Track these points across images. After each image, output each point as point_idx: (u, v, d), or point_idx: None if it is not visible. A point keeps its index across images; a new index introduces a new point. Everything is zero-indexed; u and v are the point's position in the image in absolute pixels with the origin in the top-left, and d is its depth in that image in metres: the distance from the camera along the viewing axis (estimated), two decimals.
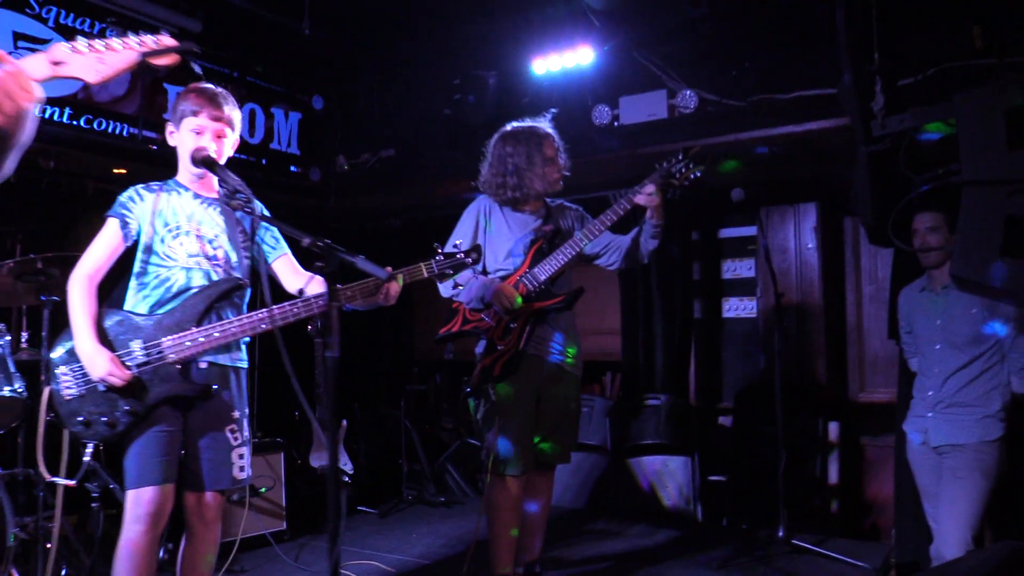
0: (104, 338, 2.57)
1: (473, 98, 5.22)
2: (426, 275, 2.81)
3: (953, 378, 3.63)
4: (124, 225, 2.72)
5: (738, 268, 5.99)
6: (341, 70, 5.96)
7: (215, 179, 2.79)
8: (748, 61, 4.63)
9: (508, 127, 3.57)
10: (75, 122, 4.76)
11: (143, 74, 5.07)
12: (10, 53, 4.29)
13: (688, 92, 4.74)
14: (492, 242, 3.44)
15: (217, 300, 2.66)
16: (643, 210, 3.42)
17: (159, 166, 5.33)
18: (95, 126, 4.86)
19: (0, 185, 1.67)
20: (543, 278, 3.34)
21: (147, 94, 5.12)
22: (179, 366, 2.60)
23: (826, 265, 5.65)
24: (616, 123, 4.99)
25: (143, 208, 2.75)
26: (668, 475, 5.33)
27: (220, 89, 2.87)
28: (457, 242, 3.30)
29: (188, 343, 2.59)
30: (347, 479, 5.26)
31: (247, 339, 2.78)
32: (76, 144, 4.86)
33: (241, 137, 5.63)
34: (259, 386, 5.08)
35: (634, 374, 5.66)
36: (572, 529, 4.98)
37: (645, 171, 5.29)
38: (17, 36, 4.54)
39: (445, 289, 3.37)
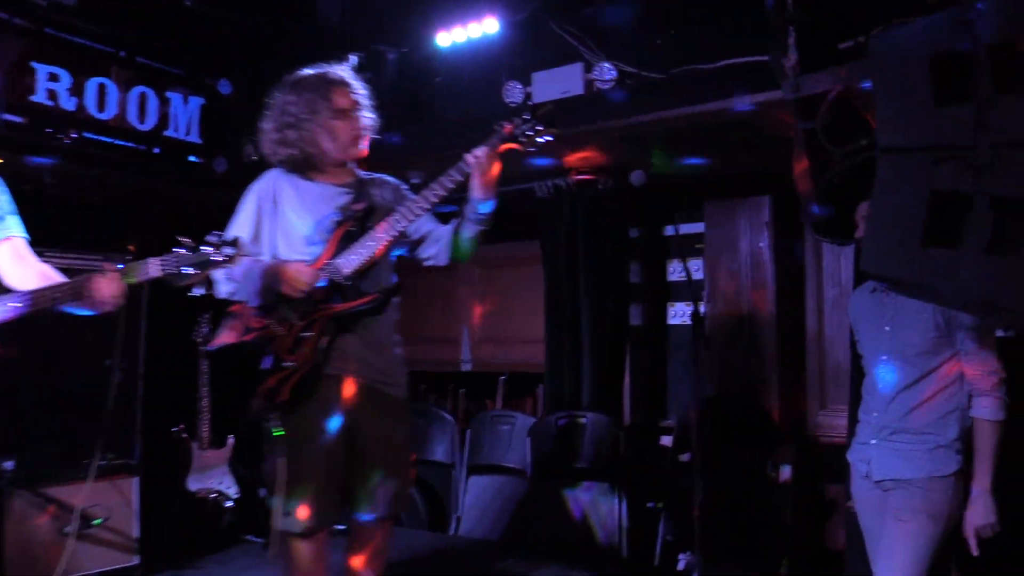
0: None
1: (372, 75, 4.62)
2: (154, 274, 2.23)
3: (901, 397, 2.95)
4: None
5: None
6: (245, 51, 5.39)
7: None
8: (675, 28, 4.02)
9: (296, 74, 2.89)
10: None
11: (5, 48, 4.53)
12: None
13: (606, 65, 4.13)
14: (283, 226, 2.74)
15: None
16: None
17: (30, 153, 4.90)
18: None
19: None
20: (347, 271, 2.61)
21: (9, 73, 4.57)
22: None
23: (782, 266, 5.00)
24: (529, 102, 4.38)
25: None
26: (593, 504, 4.69)
27: None
28: (232, 237, 2.68)
29: None
30: (230, 503, 4.67)
31: None
32: None
33: (129, 123, 5.26)
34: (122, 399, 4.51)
35: (559, 388, 5.02)
36: (475, 568, 4.35)
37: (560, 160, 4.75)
38: None
39: (220, 289, 2.70)
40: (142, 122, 5.19)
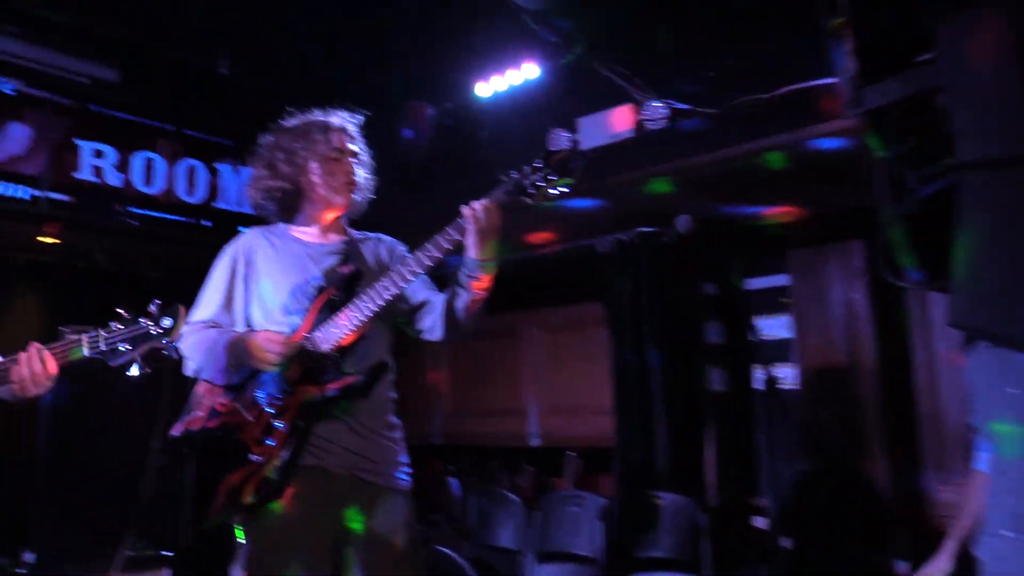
0: None
1: (412, 133, 4.37)
2: (87, 353, 1.92)
3: None
4: None
5: (770, 327, 4.76)
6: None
7: None
8: (731, 57, 3.56)
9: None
10: None
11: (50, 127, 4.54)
12: None
13: (656, 103, 3.70)
14: (258, 291, 2.38)
15: None
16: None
17: (79, 230, 4.88)
18: None
19: None
20: (326, 347, 2.24)
21: (54, 152, 4.56)
22: None
23: (881, 318, 4.35)
24: (577, 149, 3.98)
25: None
26: None
27: None
28: (174, 306, 2.33)
29: None
30: None
31: None
32: None
33: (177, 197, 5.19)
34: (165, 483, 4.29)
35: (631, 465, 4.48)
36: None
37: (618, 209, 4.32)
38: None
39: (187, 365, 2.34)
40: (191, 195, 5.11)
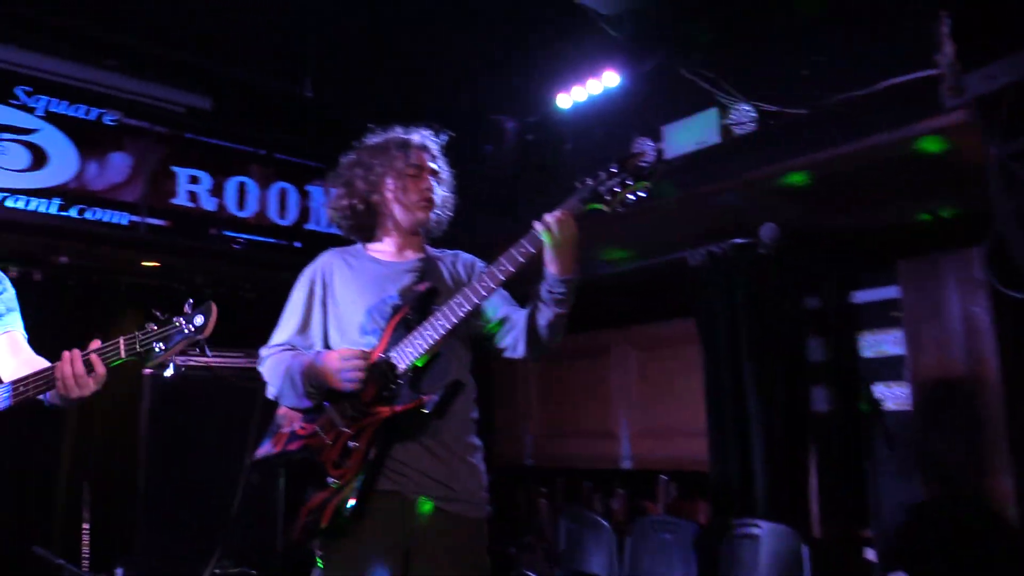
0: None
1: (491, 147, 4.30)
2: (124, 355, 1.92)
3: None
4: None
5: (880, 342, 4.42)
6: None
7: None
8: (821, 54, 3.32)
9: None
10: (65, 213, 4.41)
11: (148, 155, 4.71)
12: None
13: (744, 106, 3.50)
14: (335, 312, 2.34)
15: None
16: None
17: (177, 254, 5.03)
18: (88, 216, 4.48)
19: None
20: (402, 367, 2.16)
21: (152, 179, 4.73)
22: None
23: (1006, 332, 3.96)
24: (662, 159, 3.83)
25: None
26: None
27: None
28: (280, 336, 2.35)
29: None
30: None
31: None
32: (75, 236, 4.53)
33: (269, 219, 5.29)
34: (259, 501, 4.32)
35: (726, 490, 4.23)
36: None
37: (707, 220, 4.10)
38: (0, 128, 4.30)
39: (268, 389, 2.31)
40: (283, 217, 5.20)
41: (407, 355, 2.16)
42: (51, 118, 4.43)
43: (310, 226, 5.32)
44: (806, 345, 4.42)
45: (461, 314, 2.14)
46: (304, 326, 2.33)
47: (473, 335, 2.34)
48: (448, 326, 2.14)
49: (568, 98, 4.10)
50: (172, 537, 4.21)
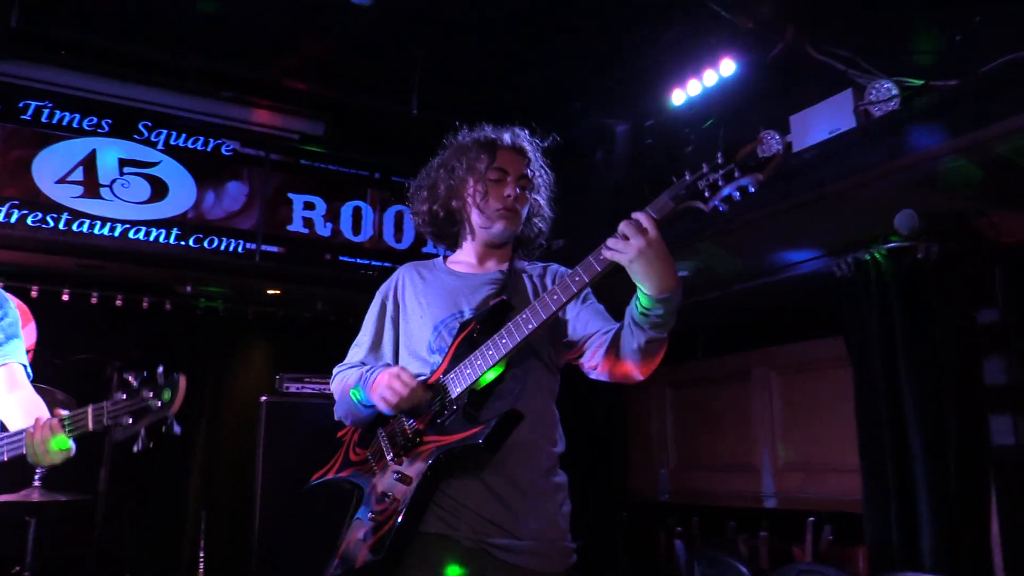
0: None
1: (600, 155, 3.95)
2: (91, 427, 1.80)
3: None
4: None
5: None
6: None
7: None
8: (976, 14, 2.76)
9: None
10: (184, 243, 4.49)
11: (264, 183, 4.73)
12: (115, 180, 4.14)
13: (884, 84, 2.97)
14: (406, 328, 2.10)
15: None
16: None
17: (297, 283, 5.01)
18: (205, 245, 4.54)
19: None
20: (457, 391, 1.88)
21: (268, 206, 4.74)
22: None
23: None
24: (791, 152, 3.35)
25: None
26: None
27: None
28: (352, 356, 2.15)
29: None
30: None
31: None
32: (194, 265, 4.60)
33: (385, 243, 5.17)
34: None
35: (885, 537, 3.60)
36: None
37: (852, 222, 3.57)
38: (124, 162, 4.44)
39: (335, 409, 2.12)
40: (399, 241, 5.08)
41: (465, 377, 1.87)
42: (170, 151, 4.54)
43: (428, 249, 5.18)
44: (982, 366, 3.73)
45: (527, 331, 1.83)
46: (376, 344, 2.12)
47: (558, 355, 2.03)
48: (511, 344, 1.83)
49: (683, 93, 3.69)
50: (289, 565, 4.13)
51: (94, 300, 4.85)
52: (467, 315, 1.99)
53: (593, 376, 1.98)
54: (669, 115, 3.82)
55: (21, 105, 4.19)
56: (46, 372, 4.49)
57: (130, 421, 1.76)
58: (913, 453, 3.58)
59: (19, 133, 4.19)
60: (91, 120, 4.36)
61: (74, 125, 4.31)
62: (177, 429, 1.81)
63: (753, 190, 1.70)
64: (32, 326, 4.76)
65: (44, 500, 3.42)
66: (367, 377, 1.97)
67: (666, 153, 3.91)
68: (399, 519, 1.82)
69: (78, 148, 4.31)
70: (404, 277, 2.16)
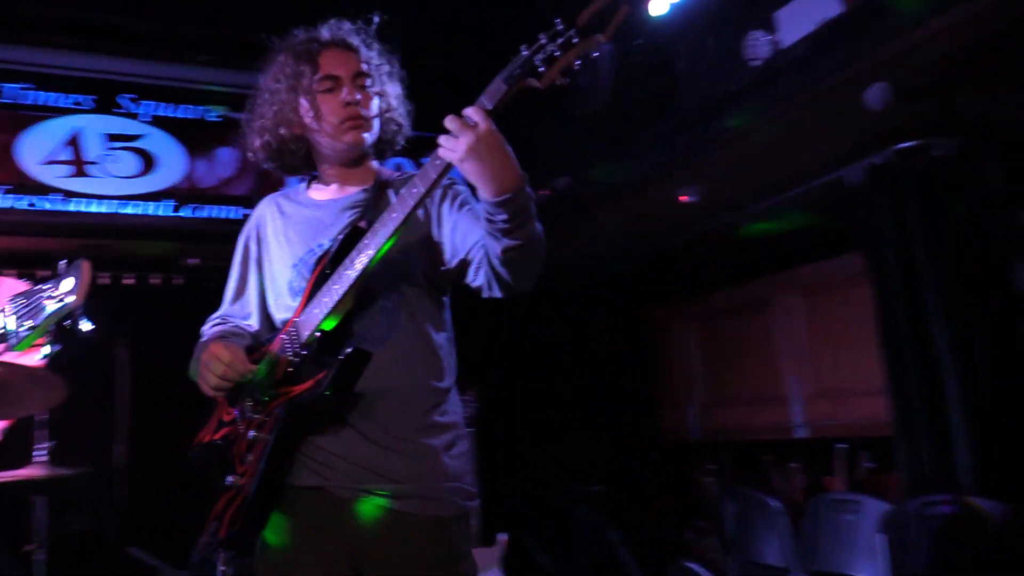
0: None
1: (586, 81, 3.72)
2: None
3: None
4: None
5: None
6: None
7: None
8: None
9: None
10: (179, 213, 4.43)
11: None
12: (102, 156, 4.08)
13: None
14: (271, 271, 1.89)
15: None
16: None
17: None
18: (201, 214, 4.48)
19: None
20: (306, 334, 1.69)
21: (261, 170, 4.63)
22: None
23: None
24: (778, 49, 3.09)
25: None
26: None
27: None
28: (220, 310, 1.95)
29: None
30: None
31: None
32: (193, 236, 4.55)
33: None
34: None
35: (916, 459, 3.36)
36: None
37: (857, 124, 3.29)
38: (111, 137, 4.39)
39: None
40: None
41: (313, 318, 1.69)
42: (156, 122, 4.46)
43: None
44: (1016, 272, 3.42)
45: (367, 260, 1.62)
46: (239, 292, 1.92)
47: (441, 279, 1.80)
48: (354, 276, 1.63)
49: (664, 1, 3.42)
50: None
51: (105, 280, 4.86)
52: (325, 248, 1.77)
53: (484, 295, 1.72)
54: (652, 28, 3.56)
55: None
56: (61, 359, 4.55)
57: (31, 325, 1.51)
58: (942, 369, 3.32)
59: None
60: (73, 98, 4.30)
61: (54, 104, 4.26)
62: (86, 324, 1.62)
63: (597, 54, 1.52)
64: None
65: (49, 475, 3.42)
66: (197, 354, 1.78)
67: (655, 70, 3.66)
68: (252, 486, 1.66)
69: (60, 127, 4.26)
70: (265, 213, 1.93)
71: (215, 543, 1.71)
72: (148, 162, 4.41)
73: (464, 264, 1.73)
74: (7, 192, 4.10)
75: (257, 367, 1.72)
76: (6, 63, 4.17)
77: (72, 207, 4.23)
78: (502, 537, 4.17)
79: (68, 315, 1.56)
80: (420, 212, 1.77)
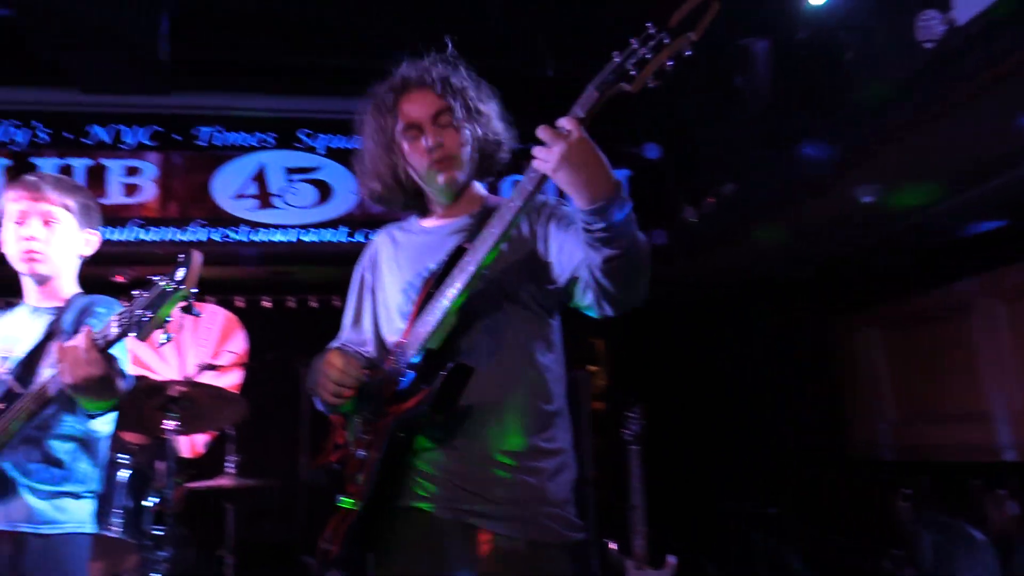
0: None
1: (741, 80, 3.54)
2: (116, 331, 1.73)
3: None
4: None
5: None
6: (654, 105, 4.72)
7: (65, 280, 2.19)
8: None
9: None
10: (353, 239, 4.68)
11: None
12: (284, 189, 4.45)
13: None
14: (384, 297, 1.91)
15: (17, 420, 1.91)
16: None
17: None
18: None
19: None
20: (411, 352, 1.70)
21: None
22: None
23: None
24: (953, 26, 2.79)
25: None
26: None
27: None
28: (339, 337, 2.00)
29: None
30: None
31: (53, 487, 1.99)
32: None
33: None
34: None
35: None
36: None
37: None
38: (290, 171, 4.72)
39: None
40: None
41: (419, 337, 1.69)
42: (330, 153, 4.75)
43: None
44: None
45: (467, 277, 1.61)
46: (356, 320, 1.96)
47: (548, 298, 1.76)
48: (456, 294, 1.63)
49: None
50: None
51: (292, 304, 5.23)
52: (431, 270, 1.77)
53: (595, 315, 1.68)
54: (813, 19, 3.33)
55: (194, 132, 4.58)
56: (256, 377, 4.93)
57: (150, 315, 1.69)
58: None
59: (196, 158, 4.60)
60: (258, 136, 4.68)
61: (242, 143, 4.65)
62: (197, 311, 1.74)
63: (689, 53, 1.43)
64: (241, 335, 5.23)
65: (237, 486, 3.69)
66: (313, 377, 1.81)
67: (818, 64, 3.41)
68: (361, 506, 1.68)
69: (248, 164, 4.64)
70: (380, 243, 1.98)
71: (327, 563, 1.76)
72: (324, 192, 4.70)
73: (571, 283, 1.69)
74: (202, 226, 4.52)
75: (369, 373, 1.76)
76: (200, 109, 4.61)
77: (259, 237, 4.59)
78: (672, 560, 4.02)
79: (182, 301, 1.70)
80: (525, 230, 1.78)
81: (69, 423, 2.01)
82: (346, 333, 1.98)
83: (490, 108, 1.88)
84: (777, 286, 5.07)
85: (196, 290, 1.72)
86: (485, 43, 4.34)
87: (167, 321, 1.71)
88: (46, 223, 2.12)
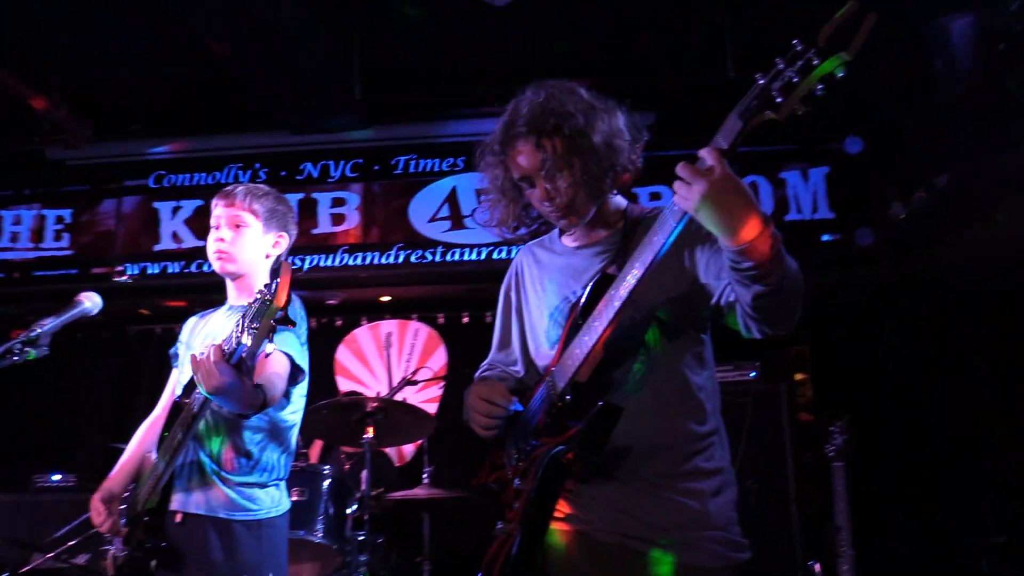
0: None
1: (942, 63, 3.22)
2: (232, 346, 1.83)
3: None
4: (173, 359, 2.54)
5: None
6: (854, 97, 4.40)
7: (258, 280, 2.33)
8: None
9: None
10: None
11: None
12: (474, 209, 4.71)
13: None
14: (530, 320, 1.88)
15: (182, 427, 2.10)
16: None
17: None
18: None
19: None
20: (561, 385, 1.65)
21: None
22: (146, 518, 2.21)
23: None
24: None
25: (184, 334, 2.48)
26: None
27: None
28: (489, 358, 2.03)
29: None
30: None
31: (245, 478, 2.18)
32: None
33: None
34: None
35: None
36: None
37: None
38: (479, 192, 4.90)
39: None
40: None
41: (567, 370, 1.65)
42: None
43: (791, 216, 4.75)
44: None
45: (614, 312, 1.55)
46: (504, 341, 1.98)
47: (700, 318, 1.70)
48: (602, 328, 1.57)
49: None
50: None
51: (489, 319, 5.42)
52: (577, 296, 1.73)
53: (745, 336, 1.58)
54: None
55: (392, 162, 4.89)
56: (456, 391, 5.14)
57: (255, 328, 1.77)
58: None
59: (395, 186, 4.91)
60: (448, 161, 4.91)
61: (435, 169, 4.90)
62: (293, 318, 1.81)
63: (841, 75, 1.26)
64: (442, 350, 5.49)
65: (429, 496, 3.88)
66: (466, 399, 1.82)
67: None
68: (518, 535, 1.67)
69: (442, 188, 4.88)
70: (523, 262, 1.96)
71: None
72: None
73: (720, 303, 1.62)
74: (401, 249, 4.81)
75: (517, 400, 1.77)
76: (397, 140, 4.92)
77: (452, 257, 4.81)
78: None
79: (278, 312, 1.75)
80: (672, 249, 1.69)
81: (257, 415, 2.14)
82: (494, 353, 2.01)
83: (607, 125, 1.76)
84: (1008, 287, 4.52)
85: (285, 303, 1.77)
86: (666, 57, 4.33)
87: (272, 331, 1.78)
88: (235, 227, 2.30)
